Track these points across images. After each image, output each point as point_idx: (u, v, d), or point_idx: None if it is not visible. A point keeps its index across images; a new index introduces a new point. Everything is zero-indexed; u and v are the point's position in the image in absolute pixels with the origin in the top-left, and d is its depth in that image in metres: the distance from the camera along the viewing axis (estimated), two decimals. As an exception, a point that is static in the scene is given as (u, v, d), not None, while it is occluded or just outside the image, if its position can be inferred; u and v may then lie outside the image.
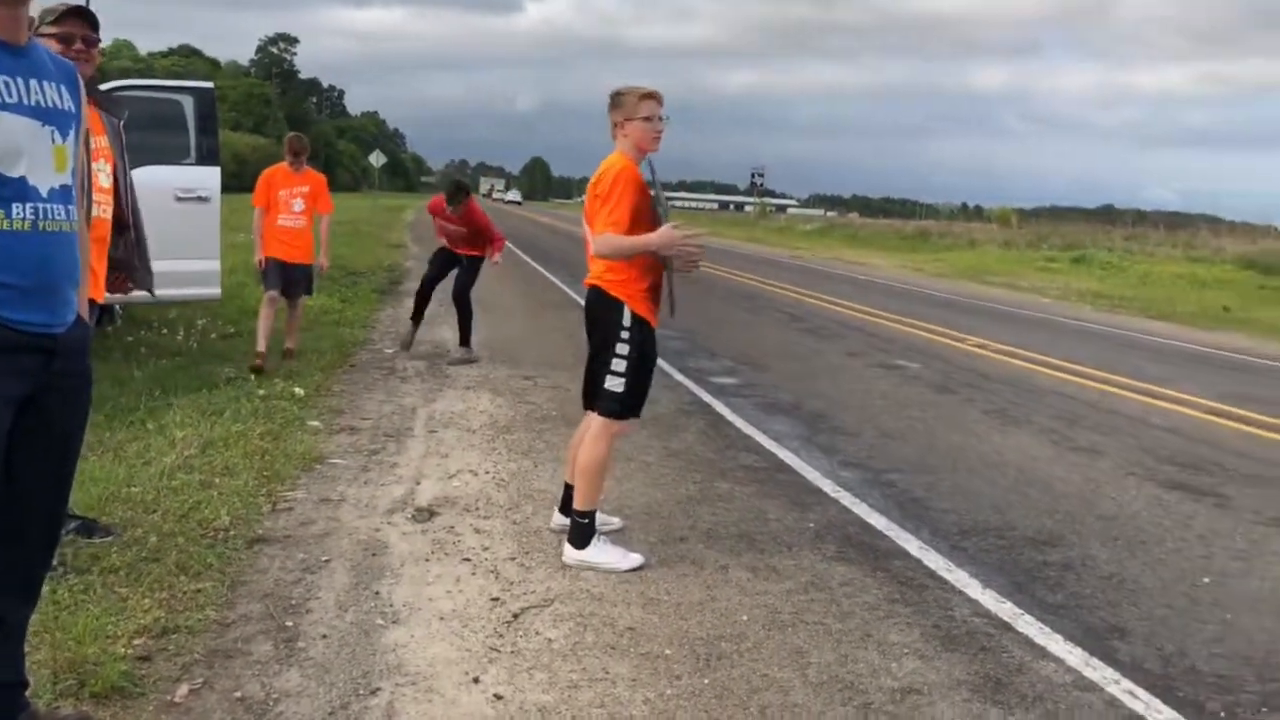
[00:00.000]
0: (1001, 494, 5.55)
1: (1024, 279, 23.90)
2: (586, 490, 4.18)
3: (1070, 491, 5.68)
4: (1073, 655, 3.53)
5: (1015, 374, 9.80)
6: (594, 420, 4.22)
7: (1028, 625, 3.78)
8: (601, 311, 4.16)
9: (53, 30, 3.59)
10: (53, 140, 2.42)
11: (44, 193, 2.38)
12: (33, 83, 2.37)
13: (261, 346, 7.57)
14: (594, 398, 4.22)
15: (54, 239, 2.41)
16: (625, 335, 4.11)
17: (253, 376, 7.15)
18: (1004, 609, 3.93)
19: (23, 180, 2.33)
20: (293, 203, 7.89)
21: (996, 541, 4.75)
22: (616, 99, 4.20)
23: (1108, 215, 53.26)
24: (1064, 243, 31.19)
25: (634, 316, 4.12)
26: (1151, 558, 4.64)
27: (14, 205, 2.31)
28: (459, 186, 8.96)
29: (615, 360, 4.12)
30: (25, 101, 2.34)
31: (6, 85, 2.31)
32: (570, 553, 4.17)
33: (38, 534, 2.55)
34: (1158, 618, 3.94)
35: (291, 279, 7.93)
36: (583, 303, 4.39)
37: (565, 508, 4.40)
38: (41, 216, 2.37)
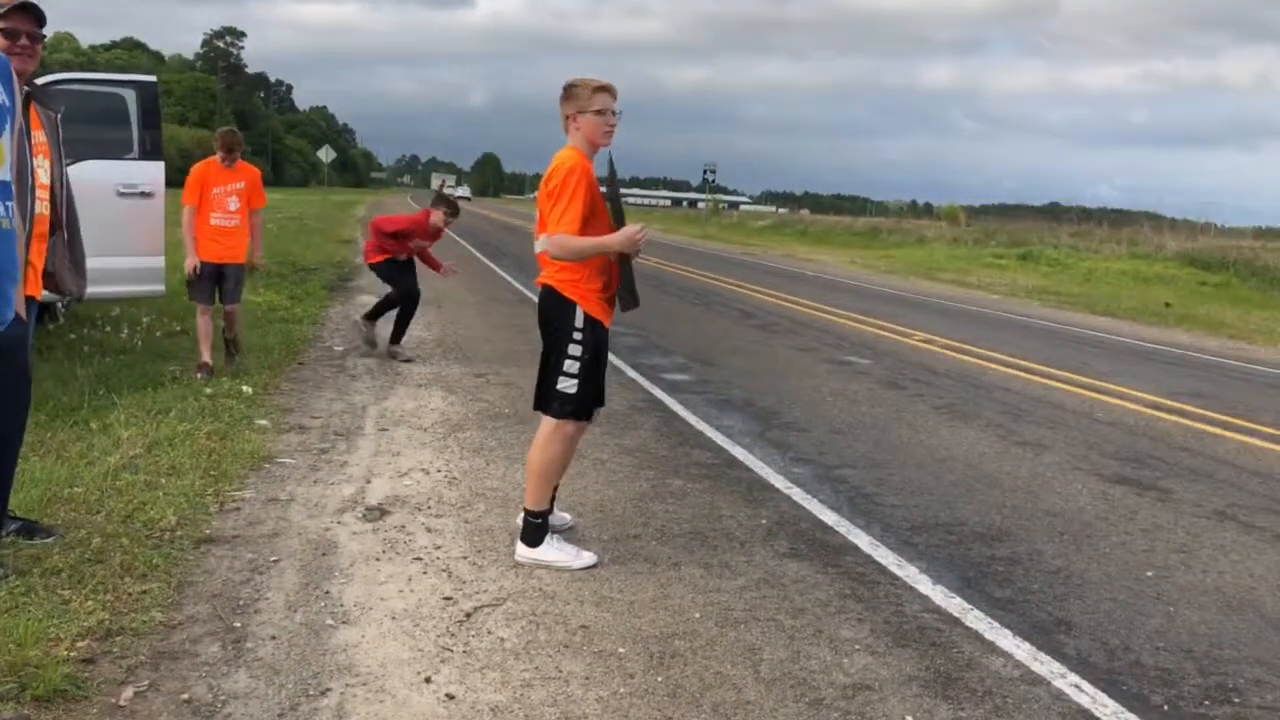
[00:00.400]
0: (950, 489, 5.63)
1: (972, 275, 24.23)
2: (537, 490, 4.16)
3: (1017, 486, 5.77)
4: (1020, 650, 3.59)
5: (963, 369, 9.94)
6: (545, 421, 4.19)
7: (977, 620, 3.83)
8: (554, 312, 4.12)
9: None
10: None
11: None
12: None
13: (206, 356, 7.28)
14: (545, 399, 4.18)
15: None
16: (578, 336, 4.08)
17: (199, 376, 7.01)
18: (953, 604, 3.98)
19: None
20: (227, 201, 7.33)
21: (946, 537, 4.82)
22: (570, 91, 4.12)
23: (1053, 213, 54.20)
24: (1011, 240, 31.70)
25: (587, 318, 4.09)
26: (1097, 552, 4.73)
27: None
28: (454, 204, 9.07)
29: (568, 361, 4.08)
30: None
31: None
32: (523, 550, 4.16)
33: None
34: (1103, 611, 4.02)
35: (225, 281, 7.38)
36: (535, 299, 4.38)
37: None
38: None
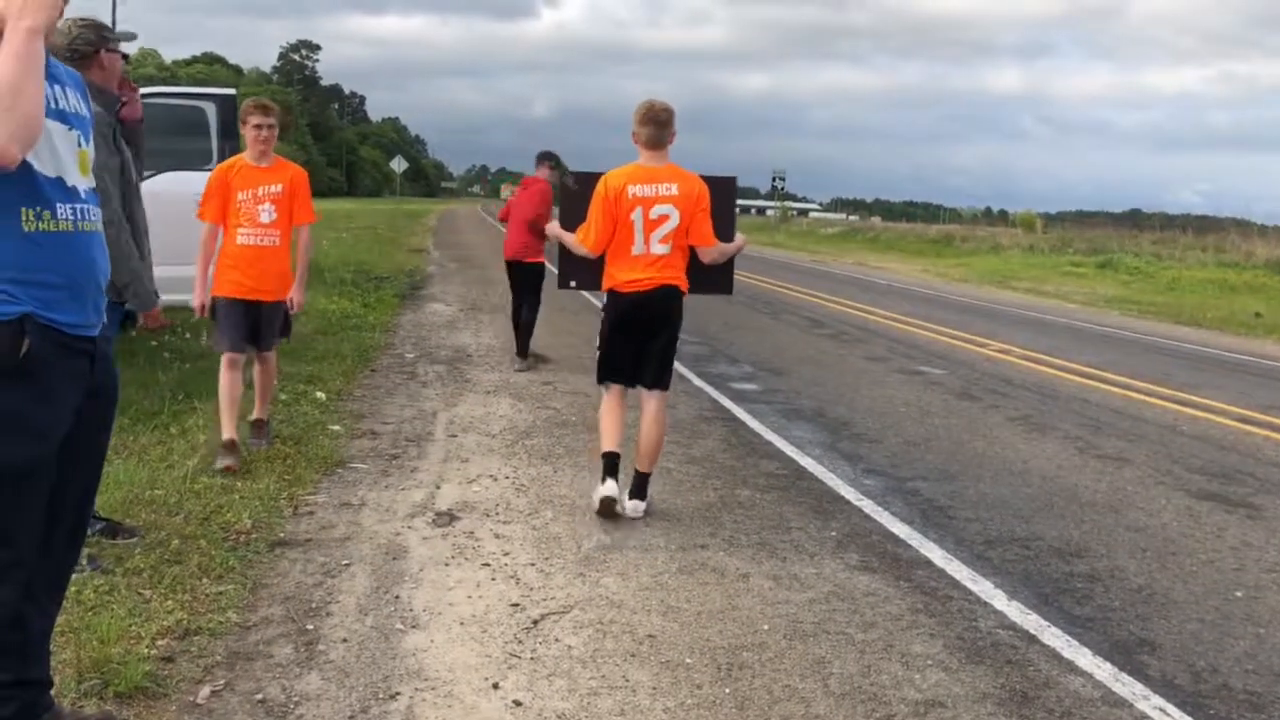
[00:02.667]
0: (1026, 503, 5.49)
1: (1049, 284, 23.71)
2: (659, 455, 5.07)
3: (1097, 501, 5.61)
4: (1101, 670, 3.48)
5: (1039, 380, 9.71)
6: (661, 395, 4.97)
7: (1054, 638, 3.72)
8: (678, 308, 4.92)
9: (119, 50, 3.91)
10: (79, 144, 2.43)
11: (81, 193, 2.39)
12: (56, 88, 2.37)
13: (229, 433, 5.17)
14: (665, 378, 4.96)
15: (94, 239, 2.42)
16: (681, 322, 4.99)
17: (221, 466, 5.03)
18: (1030, 621, 3.87)
19: (61, 180, 2.33)
20: (258, 210, 5.29)
21: (1022, 552, 4.70)
22: (672, 115, 4.83)
23: (1134, 219, 52.71)
24: (1089, 247, 30.94)
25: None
26: (1182, 570, 4.57)
27: (59, 205, 2.30)
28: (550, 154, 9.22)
29: (676, 343, 5.00)
30: (54, 106, 2.35)
31: None
32: (639, 505, 4.89)
33: (68, 535, 2.55)
34: (1189, 632, 3.88)
35: (262, 326, 5.41)
36: (599, 306, 5.08)
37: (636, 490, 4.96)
38: (81, 217, 2.37)
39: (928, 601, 4.02)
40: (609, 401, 4.96)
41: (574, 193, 5.06)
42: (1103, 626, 3.88)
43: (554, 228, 5.13)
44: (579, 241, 4.87)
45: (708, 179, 4.91)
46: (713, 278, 5.00)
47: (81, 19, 3.81)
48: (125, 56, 4.02)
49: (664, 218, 4.72)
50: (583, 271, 5.00)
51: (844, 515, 5.07)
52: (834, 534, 4.77)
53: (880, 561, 4.44)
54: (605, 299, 4.94)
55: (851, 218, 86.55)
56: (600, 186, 4.78)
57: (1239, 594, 4.30)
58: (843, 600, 3.98)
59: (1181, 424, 7.92)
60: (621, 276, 4.80)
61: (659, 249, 4.74)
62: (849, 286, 20.75)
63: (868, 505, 5.24)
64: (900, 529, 4.89)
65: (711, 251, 4.89)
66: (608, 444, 4.87)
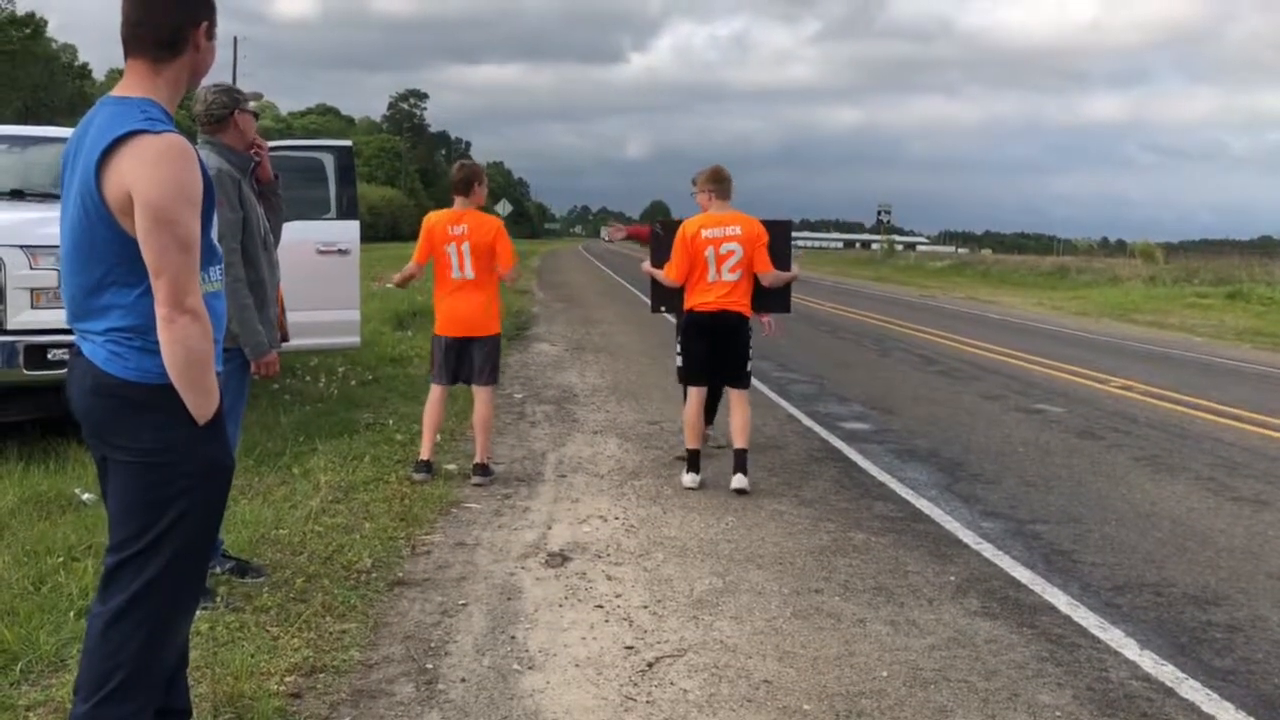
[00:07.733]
0: (1157, 547, 5.25)
1: (1172, 317, 22.74)
2: (750, 434, 6.13)
3: (1234, 546, 5.33)
4: (1246, 725, 3.29)
5: (1166, 418, 9.30)
6: (743, 393, 6.17)
7: (1193, 691, 3.54)
8: (746, 327, 6.17)
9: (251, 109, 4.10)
10: None
11: (221, 253, 2.55)
12: None
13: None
14: (744, 378, 6.18)
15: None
16: (749, 338, 6.21)
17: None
18: (1165, 672, 3.69)
19: (216, 244, 2.48)
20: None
21: (1153, 599, 4.49)
22: (730, 176, 6.19)
23: (1264, 247, 50.27)
24: (1216, 277, 29.57)
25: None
26: (1330, 620, 4.30)
27: (213, 268, 2.45)
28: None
29: (750, 351, 6.20)
30: None
31: None
32: (745, 481, 5.96)
33: None
34: (1341, 686, 3.64)
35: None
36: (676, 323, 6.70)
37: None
38: (221, 275, 2.52)
39: (1053, 650, 3.87)
40: (692, 400, 6.22)
41: (661, 238, 6.38)
42: (1246, 679, 3.67)
43: (647, 266, 6.49)
44: (665, 275, 6.20)
45: (768, 222, 6.21)
46: (776, 300, 6.37)
47: (215, 85, 4.03)
48: (256, 114, 4.23)
49: (731, 252, 6.02)
50: (670, 301, 6.39)
51: (963, 559, 4.93)
52: (953, 579, 4.65)
53: (1002, 607, 4.30)
54: (683, 320, 6.30)
55: (961, 250, 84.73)
56: (680, 231, 6.10)
57: (1397, 647, 4.02)
58: (964, 647, 3.86)
59: (1324, 463, 7.47)
60: (696, 300, 6.10)
61: (729, 276, 6.02)
62: (961, 322, 20.28)
63: (987, 549, 5.09)
64: (1022, 574, 4.73)
65: (768, 276, 6.12)
66: (691, 442, 6.19)
